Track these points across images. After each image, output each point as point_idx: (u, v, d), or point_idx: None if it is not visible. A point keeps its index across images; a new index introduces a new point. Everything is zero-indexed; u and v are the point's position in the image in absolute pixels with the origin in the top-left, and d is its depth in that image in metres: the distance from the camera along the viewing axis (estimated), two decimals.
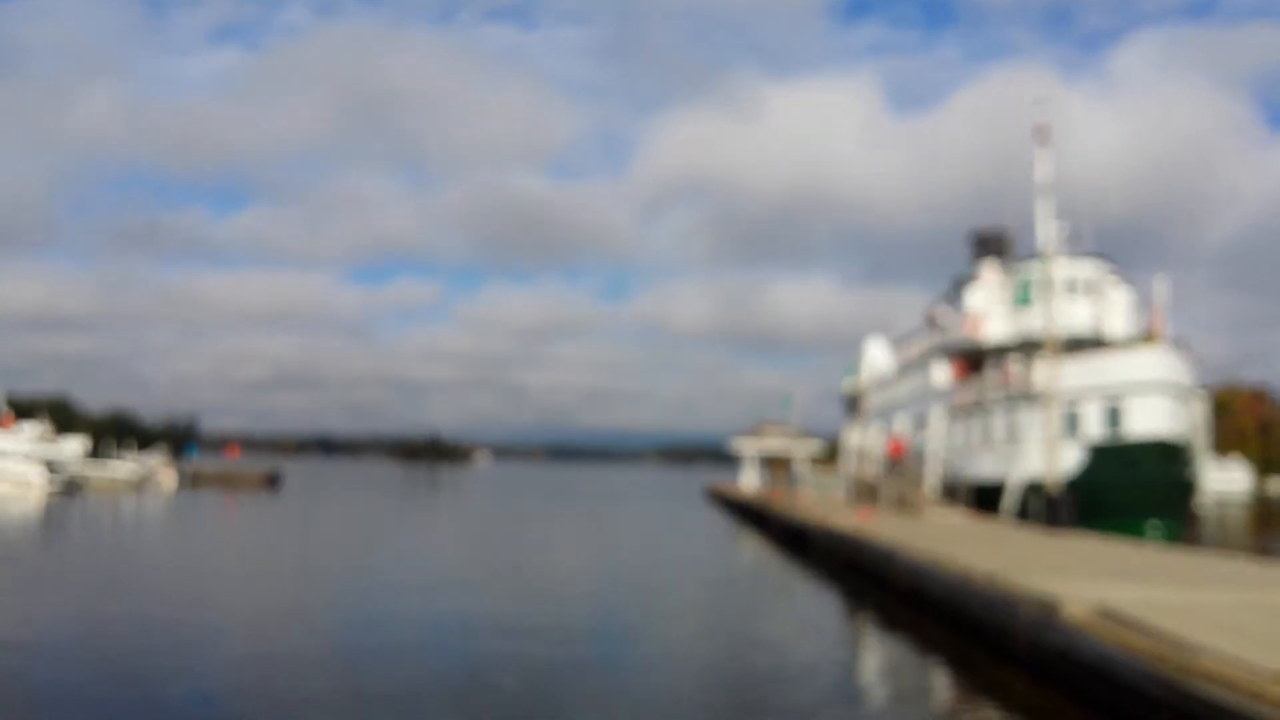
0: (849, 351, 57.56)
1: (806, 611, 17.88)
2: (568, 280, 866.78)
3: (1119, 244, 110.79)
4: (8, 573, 20.86)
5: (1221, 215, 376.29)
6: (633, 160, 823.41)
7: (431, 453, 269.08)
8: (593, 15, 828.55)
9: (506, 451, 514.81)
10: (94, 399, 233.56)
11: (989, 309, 38.58)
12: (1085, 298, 36.02)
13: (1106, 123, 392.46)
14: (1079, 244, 36.52)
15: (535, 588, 20.44)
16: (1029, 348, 36.01)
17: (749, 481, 68.92)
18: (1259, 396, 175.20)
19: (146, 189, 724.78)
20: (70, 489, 55.43)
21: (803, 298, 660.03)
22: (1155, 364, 29.35)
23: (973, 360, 39.14)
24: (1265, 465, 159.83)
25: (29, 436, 64.25)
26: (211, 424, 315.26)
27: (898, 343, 49.59)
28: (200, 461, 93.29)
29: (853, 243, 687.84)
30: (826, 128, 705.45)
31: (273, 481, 72.91)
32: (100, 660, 12.07)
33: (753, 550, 31.59)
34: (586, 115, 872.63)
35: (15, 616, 15.01)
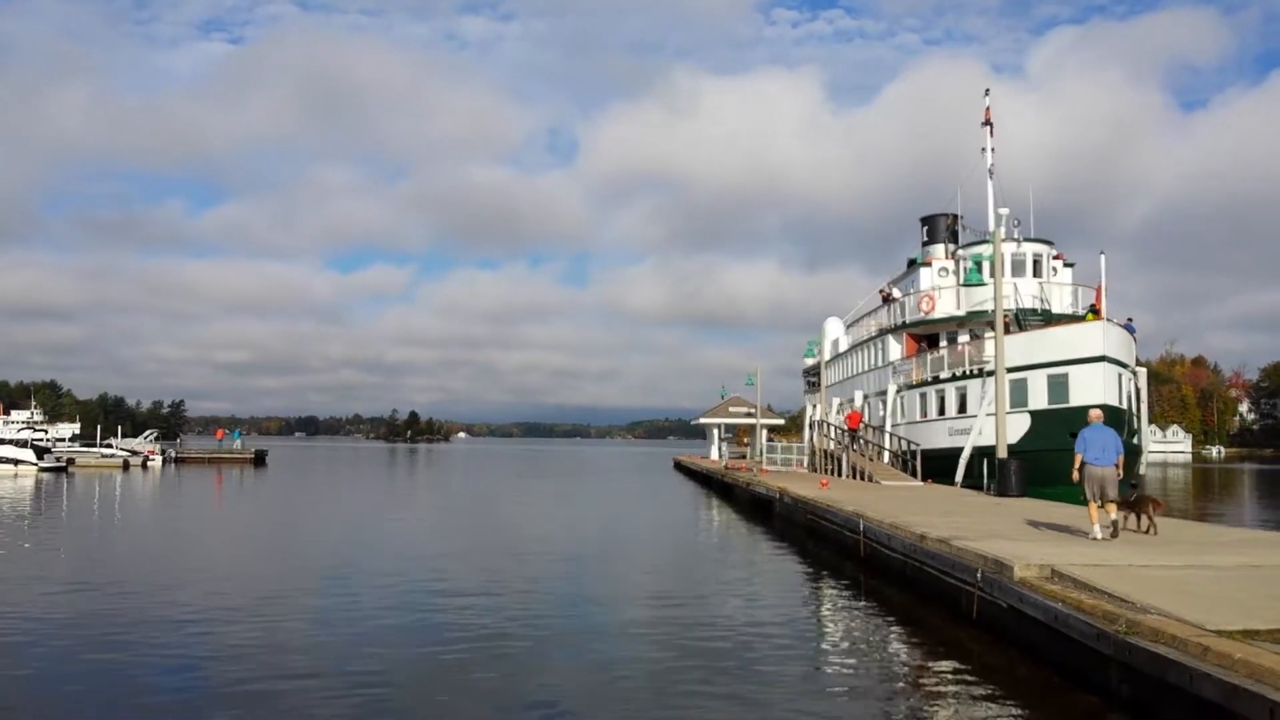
0: (798, 330, 57.92)
1: (768, 574, 17.76)
2: (531, 265, 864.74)
3: (1051, 227, 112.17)
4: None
5: (1142, 196, 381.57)
6: (587, 153, 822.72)
7: (411, 431, 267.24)
8: (565, 8, 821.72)
9: (483, 429, 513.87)
10: (82, 386, 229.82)
11: (940, 288, 38.78)
12: (1030, 277, 36.26)
13: (1033, 111, 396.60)
14: (1022, 227, 36.81)
15: (516, 549, 20.20)
16: (978, 324, 36.20)
17: (715, 454, 68.99)
18: (1199, 367, 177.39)
19: (125, 183, 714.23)
20: (60, 470, 54.53)
21: (751, 281, 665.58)
22: (1097, 338, 29.57)
23: (925, 336, 39.34)
24: (1205, 432, 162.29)
25: (19, 421, 63.11)
26: (197, 408, 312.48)
27: (854, 321, 49.70)
28: (186, 443, 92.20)
29: (794, 229, 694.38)
30: (770, 121, 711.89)
31: (258, 460, 72.29)
32: (88, 612, 11.79)
33: (718, 517, 31.52)
34: (545, 109, 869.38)
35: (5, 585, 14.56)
